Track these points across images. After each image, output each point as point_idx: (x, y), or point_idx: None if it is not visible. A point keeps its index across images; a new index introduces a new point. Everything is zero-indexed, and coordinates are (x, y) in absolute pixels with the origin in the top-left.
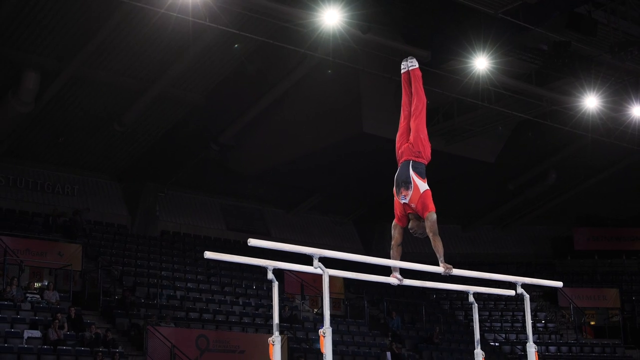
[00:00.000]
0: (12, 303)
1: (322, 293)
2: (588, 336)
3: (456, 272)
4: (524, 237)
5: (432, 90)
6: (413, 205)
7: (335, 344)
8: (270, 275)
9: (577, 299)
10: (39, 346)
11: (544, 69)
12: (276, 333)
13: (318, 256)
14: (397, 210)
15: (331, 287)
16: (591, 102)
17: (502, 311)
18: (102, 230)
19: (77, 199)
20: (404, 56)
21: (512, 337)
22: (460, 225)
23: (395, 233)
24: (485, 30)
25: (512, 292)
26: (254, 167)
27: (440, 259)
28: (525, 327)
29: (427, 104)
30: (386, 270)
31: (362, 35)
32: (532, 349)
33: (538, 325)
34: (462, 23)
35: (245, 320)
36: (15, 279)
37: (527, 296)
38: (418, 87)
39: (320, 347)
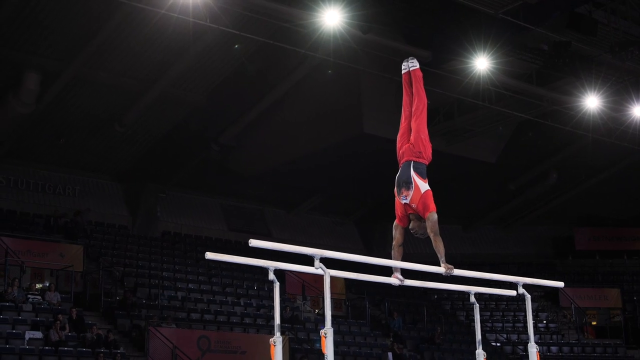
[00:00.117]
0: (13, 304)
1: (323, 293)
2: (589, 336)
3: (457, 272)
4: (525, 237)
5: (433, 90)
6: (414, 206)
7: (336, 344)
8: (271, 276)
9: (578, 299)
10: (41, 347)
11: (545, 69)
12: (277, 334)
13: (319, 257)
14: (398, 211)
15: (332, 288)
16: (592, 102)
17: (503, 311)
18: (103, 231)
19: (78, 199)
20: (405, 56)
21: (514, 337)
22: (461, 226)
23: (397, 233)
24: (485, 30)
25: (513, 292)
26: (255, 168)
27: (442, 259)
28: (527, 327)
29: (428, 104)
30: (387, 271)
31: (363, 35)
32: (533, 349)
33: (539, 325)
34: (463, 23)
35: (247, 320)
36: (17, 280)
37: (528, 296)
38: (419, 87)
39: (322, 348)
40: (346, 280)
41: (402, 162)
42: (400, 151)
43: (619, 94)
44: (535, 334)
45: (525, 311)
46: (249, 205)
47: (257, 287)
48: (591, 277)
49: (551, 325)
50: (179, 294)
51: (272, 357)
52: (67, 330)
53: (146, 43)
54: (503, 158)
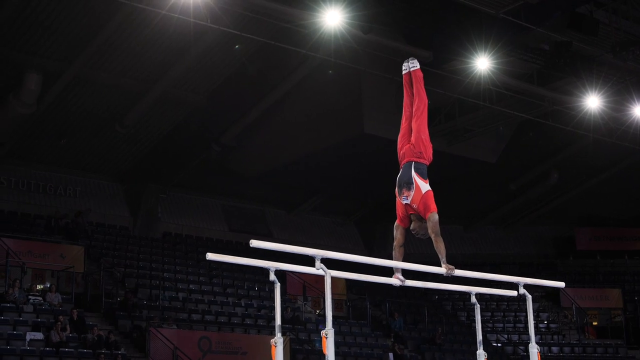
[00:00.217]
0: (14, 305)
1: (324, 294)
2: (590, 336)
3: (458, 272)
4: (525, 238)
5: (434, 90)
6: (415, 206)
7: (337, 345)
8: (272, 277)
9: (579, 299)
10: (42, 348)
11: (546, 69)
12: (278, 334)
13: (320, 257)
14: (399, 211)
15: (333, 288)
16: (593, 102)
17: (504, 312)
18: (104, 232)
19: (79, 200)
20: (406, 56)
21: (515, 337)
22: (462, 226)
23: (397, 234)
24: (486, 30)
25: (514, 293)
26: (256, 168)
27: (443, 259)
28: (528, 327)
29: (429, 104)
30: (388, 271)
31: (364, 35)
32: (534, 350)
33: (540, 325)
34: (464, 23)
35: (248, 321)
36: (18, 281)
37: (529, 296)
38: (419, 88)
39: (323, 349)
40: (347, 280)
41: (403, 162)
42: (401, 152)
43: (620, 94)
44: (536, 334)
45: (526, 311)
46: (249, 205)
47: (258, 287)
48: (592, 277)
49: (552, 325)
50: (180, 294)
51: (273, 358)
52: (68, 331)
53: (147, 43)
54: (504, 158)
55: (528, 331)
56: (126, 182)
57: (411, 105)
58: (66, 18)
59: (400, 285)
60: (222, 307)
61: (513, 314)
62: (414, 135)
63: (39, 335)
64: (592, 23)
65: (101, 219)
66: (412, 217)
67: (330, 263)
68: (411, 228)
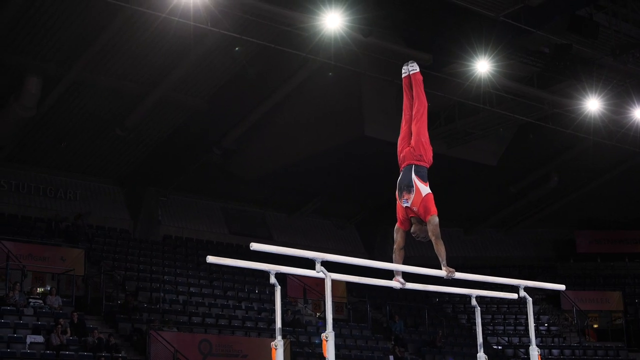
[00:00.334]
0: (14, 308)
1: (324, 297)
2: (591, 339)
3: (458, 275)
4: (526, 240)
5: (434, 93)
6: (415, 209)
7: (338, 348)
8: (272, 280)
9: (579, 302)
10: (42, 351)
11: (546, 71)
12: (279, 337)
13: (320, 260)
14: (400, 214)
15: (334, 291)
16: (593, 104)
17: (504, 314)
18: (104, 235)
19: (80, 203)
20: (406, 59)
21: (515, 340)
22: (463, 229)
23: (398, 237)
24: (486, 33)
25: (514, 296)
26: (256, 171)
27: (443, 262)
28: (528, 330)
29: (429, 107)
30: (389, 274)
31: (364, 38)
32: (535, 352)
33: (541, 328)
34: (464, 26)
35: (248, 324)
36: (18, 284)
37: (529, 299)
38: (419, 91)
39: (323, 351)
40: (347, 283)
41: (403, 165)
42: (401, 155)
43: (620, 97)
44: (536, 337)
45: (526, 314)
46: (250, 208)
47: (259, 290)
48: (592, 280)
49: (553, 328)
50: (180, 297)
51: None
52: (69, 334)
53: (147, 47)
54: (504, 161)
55: (528, 334)
56: (126, 185)
57: (411, 108)
58: (66, 21)
59: (401, 288)
60: (222, 310)
61: (513, 316)
62: (414, 138)
63: (40, 339)
64: (592, 26)
65: (101, 222)
66: (412, 220)
67: (330, 266)
68: (411, 231)
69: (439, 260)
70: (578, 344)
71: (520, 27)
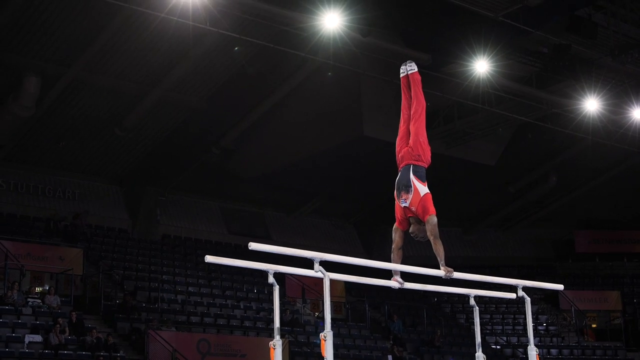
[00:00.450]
0: (13, 307)
1: (323, 296)
2: (589, 339)
3: (457, 275)
4: (525, 240)
5: (433, 93)
6: (413, 209)
7: (336, 347)
8: (271, 279)
9: (578, 302)
10: (40, 351)
11: (545, 71)
12: (277, 337)
13: (319, 260)
14: (398, 214)
15: (332, 291)
16: (592, 104)
17: (503, 314)
18: (103, 235)
19: (78, 203)
20: (404, 59)
21: (514, 340)
22: (461, 229)
23: (396, 236)
24: (485, 33)
25: (513, 295)
26: (255, 171)
27: (441, 262)
28: (527, 330)
29: (427, 107)
30: (387, 274)
31: (363, 38)
32: (533, 352)
33: (539, 328)
34: (463, 26)
35: (247, 324)
36: (17, 284)
37: (528, 299)
38: (417, 90)
39: (322, 351)
40: (346, 283)
41: (401, 165)
42: (400, 155)
43: (618, 97)
44: (535, 336)
45: (525, 314)
46: (249, 208)
47: (257, 290)
48: (591, 280)
49: (551, 327)
50: (179, 297)
51: None
52: (67, 333)
53: (146, 46)
54: (503, 161)
55: (527, 334)
56: (125, 185)
57: (409, 108)
58: (65, 21)
59: (399, 288)
60: (221, 310)
61: (512, 316)
62: (412, 138)
63: (38, 338)
64: (591, 26)
65: (100, 222)
66: (411, 219)
67: (329, 265)
68: (410, 231)
69: (437, 260)
70: (576, 344)
71: (519, 27)
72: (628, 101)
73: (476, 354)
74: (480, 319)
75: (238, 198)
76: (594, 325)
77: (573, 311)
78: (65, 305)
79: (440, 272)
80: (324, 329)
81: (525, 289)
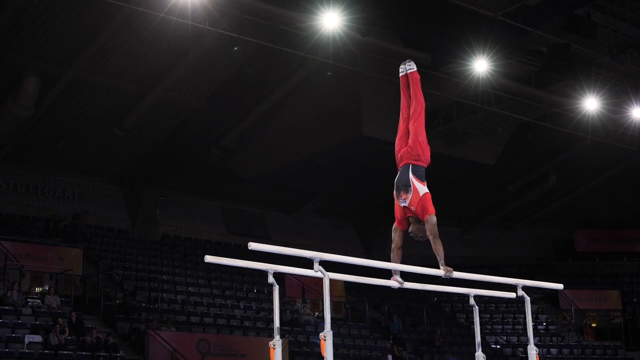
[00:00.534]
0: (13, 308)
1: (323, 296)
2: (589, 338)
3: (457, 274)
4: (524, 240)
5: (432, 92)
6: (413, 209)
7: (336, 347)
8: (270, 279)
9: (578, 301)
10: (40, 351)
11: (544, 71)
12: (277, 337)
13: (319, 259)
14: (397, 214)
15: (332, 291)
16: (591, 104)
17: (503, 313)
18: (102, 235)
19: (78, 203)
20: (404, 59)
21: (514, 339)
22: (461, 228)
23: (396, 236)
24: (484, 32)
25: (513, 295)
26: (255, 171)
27: (441, 261)
28: (527, 329)
29: (427, 106)
30: (387, 273)
31: (362, 38)
32: (533, 352)
33: (539, 327)
34: (462, 26)
35: (246, 324)
36: (16, 284)
37: (528, 298)
38: (416, 90)
39: (321, 351)
40: (346, 283)
41: (400, 165)
42: (399, 154)
43: (618, 96)
44: (535, 336)
45: (525, 313)
46: (248, 208)
47: (257, 290)
48: (591, 279)
49: (551, 327)
50: (179, 297)
51: None
52: (67, 333)
53: (145, 46)
54: (502, 160)
55: (527, 333)
56: (125, 185)
57: (408, 107)
58: (64, 21)
59: (399, 287)
60: (220, 310)
61: (512, 315)
62: (412, 138)
63: (38, 338)
64: (590, 25)
65: (100, 222)
66: (410, 219)
67: (328, 265)
68: (409, 230)
69: (437, 260)
70: (576, 343)
71: (518, 27)
72: (627, 100)
73: (476, 354)
74: (480, 318)
75: (238, 198)
76: (593, 325)
77: (573, 310)
78: (65, 306)
79: (439, 272)
80: (323, 329)
81: (525, 288)
